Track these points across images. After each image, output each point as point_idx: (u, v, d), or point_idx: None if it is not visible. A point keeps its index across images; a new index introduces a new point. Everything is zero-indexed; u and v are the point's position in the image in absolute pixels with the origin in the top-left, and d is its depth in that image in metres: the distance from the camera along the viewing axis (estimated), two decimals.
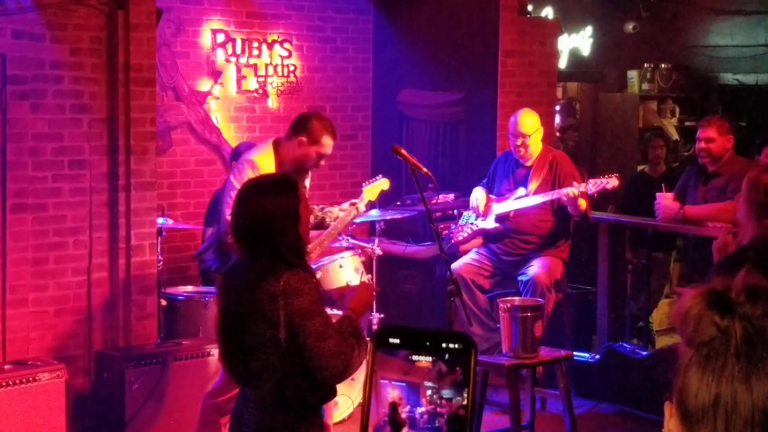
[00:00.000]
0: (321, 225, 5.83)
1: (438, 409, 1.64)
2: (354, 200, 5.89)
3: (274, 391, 3.50)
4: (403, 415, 1.69)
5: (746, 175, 4.46)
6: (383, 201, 7.32)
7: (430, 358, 1.65)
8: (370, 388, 1.69)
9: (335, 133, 5.44)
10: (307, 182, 5.66)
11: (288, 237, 3.55)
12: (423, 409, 1.66)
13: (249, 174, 5.22)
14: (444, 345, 1.64)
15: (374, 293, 4.00)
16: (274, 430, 3.51)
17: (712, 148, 6.56)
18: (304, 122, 5.37)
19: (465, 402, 1.63)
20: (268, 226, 3.54)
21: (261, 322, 3.47)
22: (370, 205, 6.30)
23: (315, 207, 5.80)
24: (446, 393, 1.64)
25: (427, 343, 1.65)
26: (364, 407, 1.70)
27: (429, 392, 1.65)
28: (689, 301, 1.45)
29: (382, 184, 6.10)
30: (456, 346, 1.64)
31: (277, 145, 5.40)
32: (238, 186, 5.23)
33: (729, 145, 6.60)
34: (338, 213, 5.81)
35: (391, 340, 1.68)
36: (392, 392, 1.68)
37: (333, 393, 3.71)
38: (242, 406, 3.61)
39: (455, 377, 1.63)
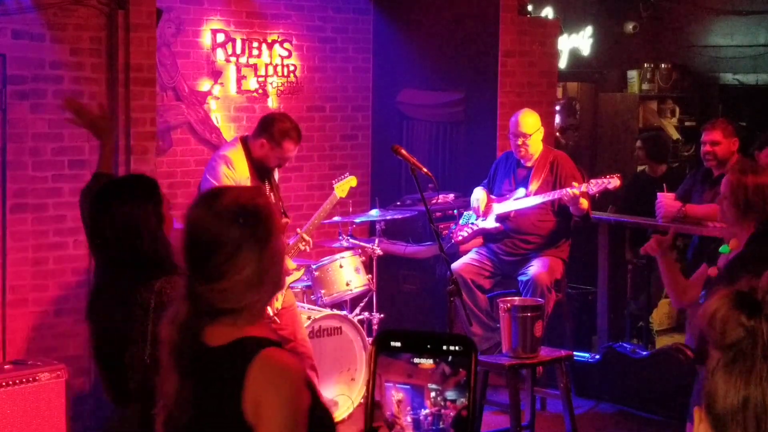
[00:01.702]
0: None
1: (442, 411, 1.64)
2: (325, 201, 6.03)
3: (147, 412, 3.16)
4: (408, 418, 1.68)
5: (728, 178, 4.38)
6: (383, 201, 7.32)
7: (432, 361, 1.65)
8: (373, 391, 1.68)
9: (299, 137, 5.41)
10: (276, 175, 5.68)
11: (156, 242, 3.30)
12: (427, 411, 1.65)
13: (223, 170, 5.23)
14: (445, 347, 1.64)
15: None
16: None
17: (718, 151, 6.51)
18: (269, 124, 5.36)
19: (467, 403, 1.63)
20: (136, 232, 3.27)
21: (135, 339, 3.21)
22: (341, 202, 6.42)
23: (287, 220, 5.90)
24: (450, 395, 1.63)
25: (428, 346, 1.64)
26: (367, 409, 1.70)
27: (433, 394, 1.64)
28: (715, 303, 1.44)
29: (351, 181, 6.27)
30: (457, 348, 1.64)
31: (245, 141, 5.40)
32: (214, 182, 5.25)
33: (734, 147, 6.55)
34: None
35: (393, 344, 1.67)
36: (396, 395, 1.68)
37: None
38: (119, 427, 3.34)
39: (458, 379, 1.63)
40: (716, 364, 1.42)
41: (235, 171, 5.23)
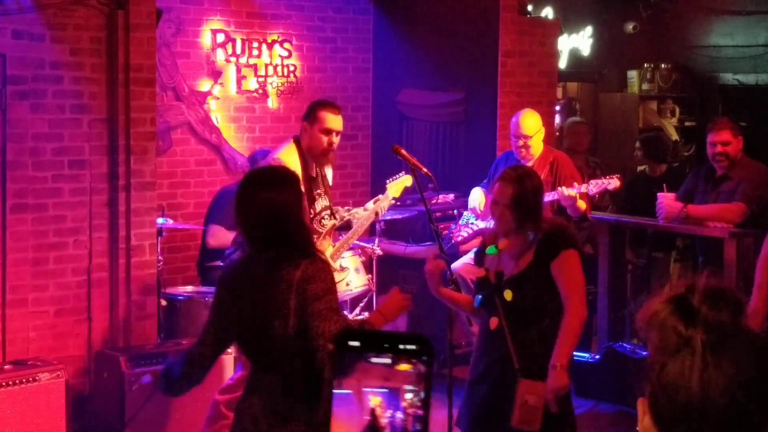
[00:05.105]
0: (347, 226, 5.86)
1: (418, 412, 1.65)
2: (379, 196, 5.89)
3: (293, 377, 3.48)
4: (384, 421, 1.70)
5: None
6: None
7: (405, 362, 1.67)
8: (330, 394, 1.71)
9: (336, 108, 5.41)
10: (329, 174, 5.66)
11: (299, 227, 3.58)
12: (402, 414, 1.67)
13: None
14: (402, 346, 1.67)
15: (407, 297, 3.78)
16: (291, 417, 3.49)
17: (730, 151, 6.32)
18: (307, 110, 5.44)
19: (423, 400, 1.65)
20: (279, 217, 3.53)
21: (279, 312, 3.46)
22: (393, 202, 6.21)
23: (340, 208, 5.82)
24: (423, 395, 1.66)
25: (386, 345, 1.67)
26: (324, 415, 1.74)
27: (408, 396, 1.65)
28: (655, 305, 1.43)
29: (405, 180, 6.02)
30: (413, 347, 1.66)
31: (297, 140, 5.45)
32: None
33: (741, 146, 6.44)
34: (362, 213, 5.86)
35: (351, 343, 1.70)
36: (374, 399, 1.68)
37: None
38: (261, 393, 3.57)
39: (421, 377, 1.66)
40: (658, 368, 1.41)
41: None
